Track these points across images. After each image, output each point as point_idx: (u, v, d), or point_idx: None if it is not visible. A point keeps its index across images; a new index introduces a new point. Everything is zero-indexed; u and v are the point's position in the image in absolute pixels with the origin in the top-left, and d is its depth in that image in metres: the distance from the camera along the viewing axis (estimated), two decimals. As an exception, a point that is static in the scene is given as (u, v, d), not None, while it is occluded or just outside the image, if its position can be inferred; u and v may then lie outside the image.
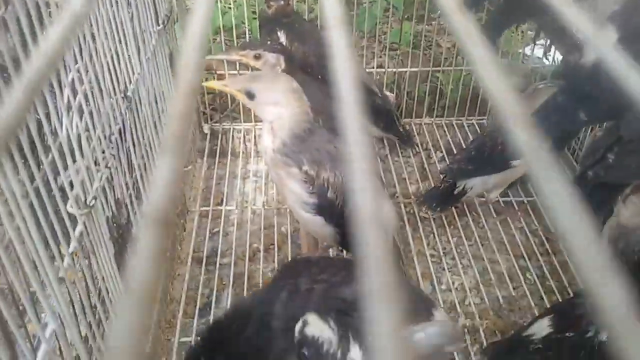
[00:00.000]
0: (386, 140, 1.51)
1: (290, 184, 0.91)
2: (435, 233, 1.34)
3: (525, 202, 1.41)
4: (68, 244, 0.63)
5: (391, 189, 1.44)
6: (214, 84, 0.94)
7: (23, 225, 0.50)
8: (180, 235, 1.31)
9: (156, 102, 0.99)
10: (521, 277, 1.23)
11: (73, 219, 0.64)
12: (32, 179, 0.55)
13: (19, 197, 0.49)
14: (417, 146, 1.54)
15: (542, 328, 0.89)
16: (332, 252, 1.25)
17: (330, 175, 0.89)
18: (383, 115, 1.30)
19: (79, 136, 0.65)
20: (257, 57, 1.06)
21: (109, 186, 0.77)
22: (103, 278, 0.85)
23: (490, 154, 1.24)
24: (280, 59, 1.07)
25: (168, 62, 1.12)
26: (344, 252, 1.22)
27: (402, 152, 1.56)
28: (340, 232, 0.93)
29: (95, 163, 0.70)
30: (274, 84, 0.89)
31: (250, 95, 0.87)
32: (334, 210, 0.90)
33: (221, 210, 1.40)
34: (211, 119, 1.54)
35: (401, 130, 1.36)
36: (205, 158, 1.53)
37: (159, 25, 1.00)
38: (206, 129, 1.50)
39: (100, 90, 0.74)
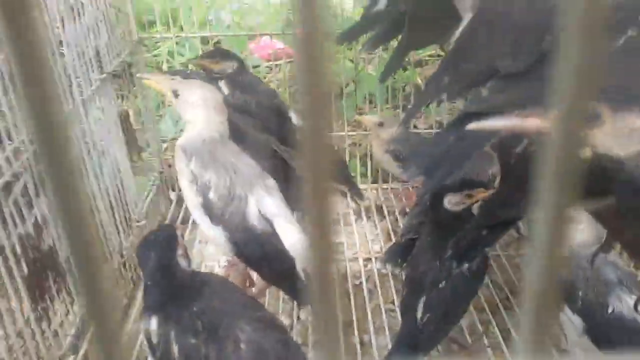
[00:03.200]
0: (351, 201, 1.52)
1: (181, 181, 0.92)
2: (393, 289, 1.29)
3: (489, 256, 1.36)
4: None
5: (353, 249, 1.42)
6: (149, 82, 0.98)
7: None
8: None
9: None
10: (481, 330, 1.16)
11: None
12: None
13: None
14: (385, 211, 1.54)
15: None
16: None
17: (213, 177, 0.89)
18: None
19: None
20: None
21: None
22: None
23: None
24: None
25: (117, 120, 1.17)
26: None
27: (369, 217, 1.56)
28: (230, 239, 0.89)
29: None
30: (197, 88, 0.93)
31: (176, 94, 0.92)
32: (216, 212, 0.88)
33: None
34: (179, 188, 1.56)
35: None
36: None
37: (101, 74, 1.07)
38: (173, 195, 1.52)
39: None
